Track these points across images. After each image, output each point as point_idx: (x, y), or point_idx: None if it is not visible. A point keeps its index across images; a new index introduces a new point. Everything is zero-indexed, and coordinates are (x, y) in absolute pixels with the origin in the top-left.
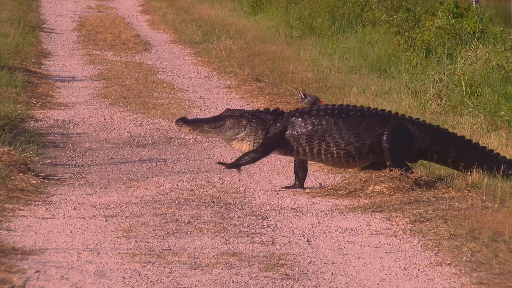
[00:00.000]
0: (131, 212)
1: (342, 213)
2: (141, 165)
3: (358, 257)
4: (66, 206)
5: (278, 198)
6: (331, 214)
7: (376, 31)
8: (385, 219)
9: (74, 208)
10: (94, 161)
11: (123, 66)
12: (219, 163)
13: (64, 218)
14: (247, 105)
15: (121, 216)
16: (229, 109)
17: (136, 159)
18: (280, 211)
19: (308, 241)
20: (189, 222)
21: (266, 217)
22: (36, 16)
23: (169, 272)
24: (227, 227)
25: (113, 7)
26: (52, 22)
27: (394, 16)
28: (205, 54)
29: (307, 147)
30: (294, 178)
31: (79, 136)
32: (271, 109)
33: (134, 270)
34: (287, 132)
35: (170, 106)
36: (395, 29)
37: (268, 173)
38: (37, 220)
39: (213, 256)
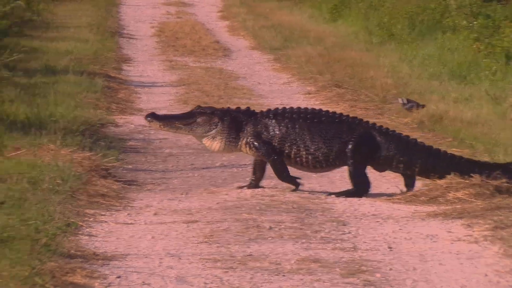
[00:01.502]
0: (212, 218)
1: (423, 219)
2: (222, 171)
3: (440, 264)
4: (147, 211)
5: (359, 204)
6: (412, 220)
7: (456, 37)
8: (466, 225)
9: (155, 214)
10: (175, 166)
11: (203, 72)
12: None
13: (145, 223)
14: None
15: (203, 222)
16: (199, 106)
17: (217, 164)
18: (361, 217)
19: (389, 247)
20: (270, 228)
21: (347, 223)
22: (115, 21)
23: (251, 278)
24: (308, 233)
25: (192, 13)
26: (132, 28)
27: (474, 23)
28: (285, 60)
29: (277, 149)
30: (251, 176)
31: (160, 141)
32: (241, 108)
33: (216, 276)
34: (263, 134)
35: None
36: (475, 35)
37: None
38: (118, 226)
39: (294, 262)
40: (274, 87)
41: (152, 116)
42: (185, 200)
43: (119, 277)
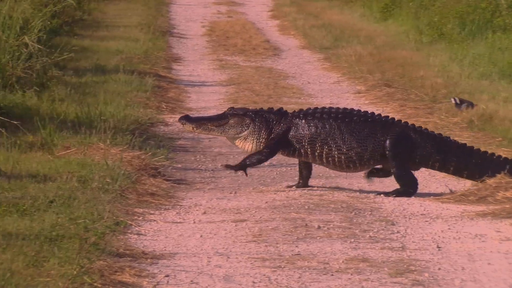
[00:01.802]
0: (260, 217)
1: (472, 219)
2: (271, 170)
3: (488, 263)
4: (196, 210)
5: (408, 204)
6: (461, 220)
7: (506, 36)
8: None
9: (204, 213)
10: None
11: (253, 71)
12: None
13: (194, 222)
14: (376, 111)
15: (251, 221)
16: (232, 108)
17: (266, 164)
18: (410, 217)
19: (438, 247)
20: (319, 227)
21: (396, 223)
22: (166, 21)
23: (299, 277)
24: (356, 232)
25: (243, 13)
26: (182, 27)
27: None
28: (335, 59)
29: (309, 149)
30: (298, 177)
31: (209, 140)
32: (274, 108)
33: (264, 275)
34: (290, 133)
35: None
36: None
37: None
38: (167, 225)
39: (342, 262)
40: (324, 86)
41: (185, 119)
42: (233, 199)
43: (167, 276)
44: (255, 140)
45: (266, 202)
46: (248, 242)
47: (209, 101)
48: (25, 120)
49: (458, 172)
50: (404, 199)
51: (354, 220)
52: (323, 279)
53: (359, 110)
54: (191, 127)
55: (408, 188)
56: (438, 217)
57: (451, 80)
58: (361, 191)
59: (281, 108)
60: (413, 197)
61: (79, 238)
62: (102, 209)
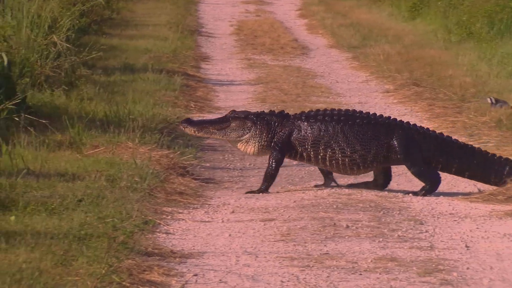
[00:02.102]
0: (289, 216)
1: (501, 218)
2: (299, 169)
3: None
4: (225, 209)
5: (436, 203)
6: (489, 219)
7: None
8: None
9: (233, 212)
10: (252, 164)
11: (281, 70)
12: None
13: (223, 221)
14: (405, 110)
15: (279, 220)
16: (234, 111)
17: (294, 163)
18: (439, 216)
19: (466, 246)
20: (347, 226)
21: (425, 222)
22: (194, 20)
23: (327, 276)
24: (385, 232)
25: (271, 11)
26: (211, 26)
27: None
28: (363, 58)
29: (312, 153)
30: (323, 177)
31: None
32: (276, 111)
33: (292, 274)
34: (293, 136)
35: None
36: None
37: None
38: (195, 224)
39: (371, 261)
40: (352, 85)
41: (187, 122)
42: (262, 198)
43: (196, 275)
44: (256, 143)
45: (295, 201)
46: (277, 241)
47: (237, 100)
48: (54, 119)
49: (460, 172)
50: (432, 199)
51: (383, 220)
52: (352, 279)
53: (361, 112)
54: (192, 131)
55: (433, 183)
56: (466, 216)
57: (480, 79)
58: (389, 190)
59: (282, 111)
60: (441, 197)
61: (108, 237)
62: (130, 208)
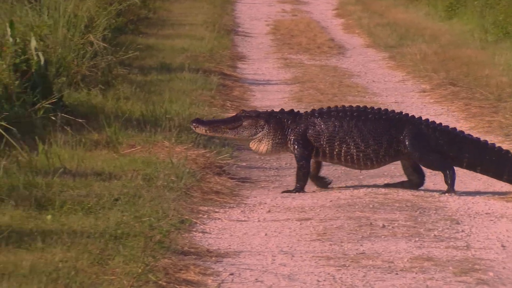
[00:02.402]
0: (325, 216)
1: None
2: (335, 169)
3: None
4: (261, 208)
5: (472, 203)
6: None
7: None
8: None
9: (269, 211)
10: (288, 164)
11: (318, 70)
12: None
13: (259, 220)
14: (441, 109)
15: (316, 219)
16: (244, 110)
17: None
18: (475, 216)
19: (502, 246)
20: (384, 226)
21: (461, 221)
22: (231, 19)
23: (363, 276)
24: (421, 231)
25: (307, 11)
26: (247, 26)
27: None
28: (400, 58)
29: (327, 149)
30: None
31: None
32: (285, 109)
33: (329, 274)
34: (309, 132)
35: None
36: None
37: (463, 178)
38: (231, 223)
39: (407, 261)
40: (389, 85)
41: (197, 122)
42: (298, 198)
43: (232, 274)
44: (270, 141)
45: (331, 201)
46: (313, 240)
47: (273, 99)
48: (90, 118)
49: (471, 166)
50: (469, 198)
51: (419, 219)
52: (388, 278)
53: (373, 108)
54: (203, 130)
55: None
56: (503, 216)
57: None
58: (425, 190)
59: (292, 110)
60: (478, 196)
61: (144, 236)
62: (167, 207)
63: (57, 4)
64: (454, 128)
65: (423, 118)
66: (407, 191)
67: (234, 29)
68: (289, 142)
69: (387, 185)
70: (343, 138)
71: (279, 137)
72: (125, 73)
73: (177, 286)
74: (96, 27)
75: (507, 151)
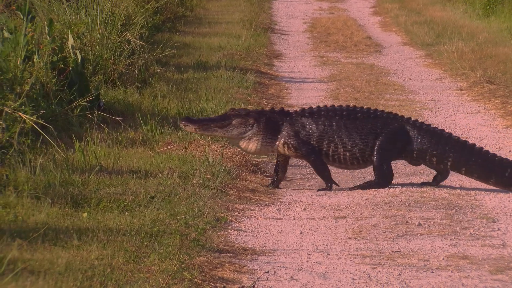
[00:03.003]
0: (361, 214)
1: None
2: (370, 167)
3: None
4: (296, 207)
5: (509, 201)
6: None
7: None
8: None
9: (304, 209)
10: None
11: (354, 68)
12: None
13: (294, 219)
14: (478, 107)
15: (351, 218)
16: (233, 108)
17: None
18: (511, 214)
19: None
20: (419, 224)
21: (497, 220)
22: (268, 17)
23: (399, 274)
24: (457, 229)
25: (344, 9)
26: (284, 24)
27: None
28: (437, 56)
29: (317, 148)
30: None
31: None
32: (275, 108)
33: (364, 272)
34: (300, 133)
35: (401, 108)
36: None
37: None
38: (267, 221)
39: (443, 259)
40: (426, 83)
41: (187, 120)
42: (333, 196)
43: (267, 272)
44: (260, 140)
45: (366, 199)
46: (348, 239)
47: (309, 97)
48: (127, 116)
49: (455, 168)
50: (505, 197)
51: (455, 217)
52: (423, 276)
53: (362, 107)
54: (193, 129)
55: (383, 179)
56: None
57: None
58: (461, 188)
59: (282, 108)
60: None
61: (180, 234)
62: (202, 205)
63: (94, 2)
64: (442, 130)
65: (453, 116)
66: (443, 189)
67: (271, 27)
68: (280, 143)
69: (424, 184)
70: (331, 138)
71: (269, 136)
72: (162, 71)
73: (212, 284)
74: (133, 25)
75: (494, 155)
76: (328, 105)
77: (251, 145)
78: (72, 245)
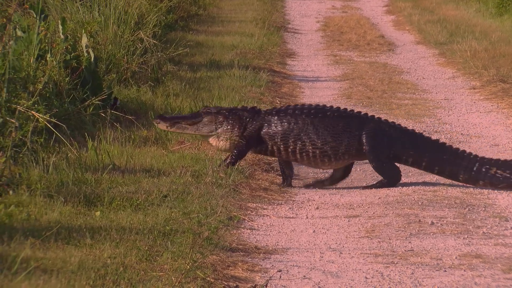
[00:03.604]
0: (373, 213)
1: None
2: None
3: None
4: (309, 205)
5: None
6: None
7: None
8: None
9: (317, 208)
10: None
11: (367, 67)
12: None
13: (307, 217)
14: (491, 106)
15: (364, 217)
16: (206, 106)
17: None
18: None
19: None
20: (432, 223)
21: (510, 219)
22: (281, 16)
23: (412, 273)
24: (470, 228)
25: (357, 8)
26: (297, 22)
27: None
28: (450, 54)
29: (281, 146)
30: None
31: None
32: (248, 107)
33: (377, 271)
34: (263, 130)
35: (414, 107)
36: None
37: None
38: (280, 220)
39: (455, 258)
40: (439, 81)
41: (160, 118)
42: (346, 195)
43: (280, 271)
44: (228, 138)
45: (379, 198)
46: (361, 237)
47: (322, 96)
48: (140, 115)
49: (429, 168)
50: None
51: (468, 216)
52: (436, 275)
53: (331, 106)
54: (165, 126)
55: (391, 178)
56: None
57: None
58: (474, 187)
59: (254, 106)
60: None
61: (193, 233)
62: (215, 203)
63: (107, 1)
64: (413, 130)
65: (466, 115)
66: (456, 188)
67: (284, 26)
68: (241, 137)
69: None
70: (297, 135)
71: (237, 133)
72: (175, 70)
73: (225, 283)
74: (146, 24)
75: (463, 151)
76: (300, 105)
77: (221, 142)
78: (85, 243)
